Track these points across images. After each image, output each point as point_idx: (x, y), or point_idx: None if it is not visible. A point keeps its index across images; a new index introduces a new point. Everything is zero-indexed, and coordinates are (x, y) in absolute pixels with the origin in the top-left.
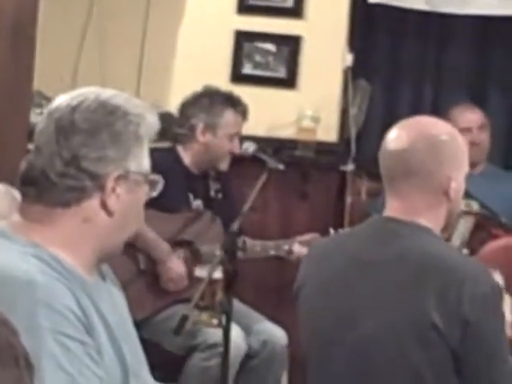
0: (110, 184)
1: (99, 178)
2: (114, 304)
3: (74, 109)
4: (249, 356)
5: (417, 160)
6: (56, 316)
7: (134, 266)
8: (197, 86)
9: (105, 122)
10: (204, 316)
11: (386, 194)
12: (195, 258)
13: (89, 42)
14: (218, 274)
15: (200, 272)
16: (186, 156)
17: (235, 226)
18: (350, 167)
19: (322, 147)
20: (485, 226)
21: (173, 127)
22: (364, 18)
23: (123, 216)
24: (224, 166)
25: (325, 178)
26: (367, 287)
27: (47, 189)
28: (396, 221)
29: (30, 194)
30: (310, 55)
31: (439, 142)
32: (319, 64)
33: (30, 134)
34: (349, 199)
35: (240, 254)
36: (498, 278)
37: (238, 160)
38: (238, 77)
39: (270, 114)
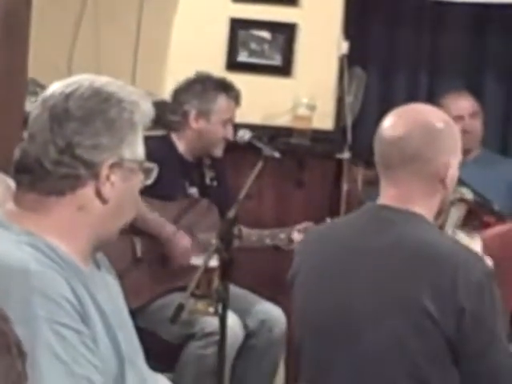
0: (104, 172)
1: (94, 165)
2: (110, 293)
3: (67, 96)
4: (248, 336)
5: (413, 147)
6: (51, 305)
7: (131, 255)
8: (192, 74)
9: (99, 110)
10: (200, 304)
11: (381, 181)
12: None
13: (84, 29)
14: (213, 262)
15: (196, 260)
16: (180, 143)
17: (231, 214)
18: (346, 155)
19: (317, 135)
20: (477, 214)
21: (166, 115)
22: (359, 5)
23: (118, 204)
24: (218, 152)
25: (321, 165)
26: (361, 275)
27: (41, 177)
28: (390, 209)
29: (24, 182)
30: (306, 43)
31: (436, 129)
32: (315, 52)
33: (24, 122)
34: (345, 187)
35: (236, 242)
36: (489, 261)
37: (233, 148)
38: (233, 65)
39: (265, 101)
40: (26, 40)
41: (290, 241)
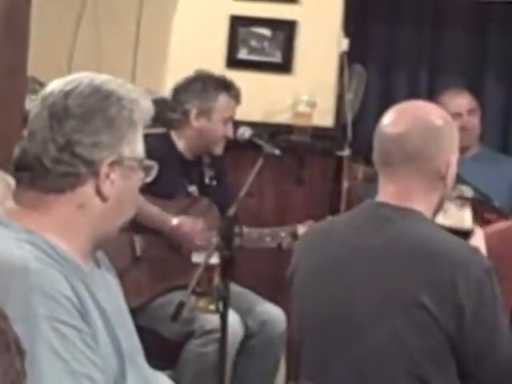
0: (104, 170)
1: (93, 163)
2: (110, 291)
3: (67, 94)
4: (248, 336)
5: (413, 145)
6: (51, 302)
7: (130, 254)
8: (192, 72)
9: (98, 108)
10: (201, 302)
11: (380, 178)
12: None
13: (84, 27)
14: (214, 260)
15: (197, 258)
16: (180, 141)
17: (231, 212)
18: (346, 152)
19: (317, 132)
20: (477, 211)
21: (166, 113)
22: (359, 2)
23: (118, 202)
24: (218, 150)
25: (321, 163)
26: (360, 273)
27: (41, 175)
28: (389, 206)
29: (24, 180)
30: (306, 40)
31: (436, 127)
32: (315, 49)
33: (24, 120)
34: (345, 184)
35: (237, 241)
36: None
37: (233, 145)
38: (233, 62)
39: (265, 99)
40: (27, 38)
41: (295, 237)
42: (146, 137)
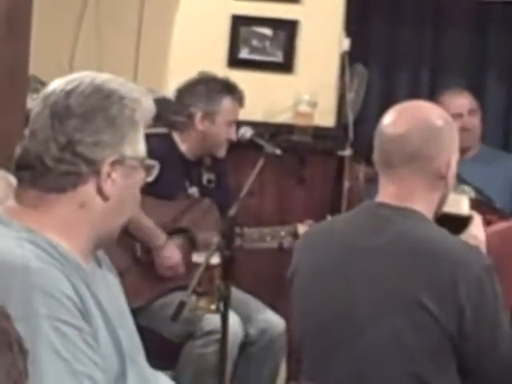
0: (105, 169)
1: (95, 162)
2: (110, 291)
3: (68, 93)
4: (247, 343)
5: (413, 145)
6: (52, 302)
7: (131, 254)
8: (194, 71)
9: (100, 107)
10: (202, 302)
11: (380, 178)
12: (191, 246)
13: (85, 26)
14: (215, 260)
15: (197, 258)
16: (182, 143)
17: (232, 211)
18: (347, 152)
19: (319, 132)
20: (479, 212)
21: (169, 114)
22: (361, 2)
23: (119, 201)
24: (221, 152)
25: (322, 162)
26: (360, 273)
27: (42, 174)
28: (389, 206)
29: (25, 178)
30: (307, 40)
31: (436, 127)
32: (316, 48)
33: (26, 120)
34: (346, 184)
35: (238, 241)
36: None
37: (234, 145)
38: (234, 61)
39: (266, 98)
40: (28, 37)
41: (295, 236)
42: (148, 137)
